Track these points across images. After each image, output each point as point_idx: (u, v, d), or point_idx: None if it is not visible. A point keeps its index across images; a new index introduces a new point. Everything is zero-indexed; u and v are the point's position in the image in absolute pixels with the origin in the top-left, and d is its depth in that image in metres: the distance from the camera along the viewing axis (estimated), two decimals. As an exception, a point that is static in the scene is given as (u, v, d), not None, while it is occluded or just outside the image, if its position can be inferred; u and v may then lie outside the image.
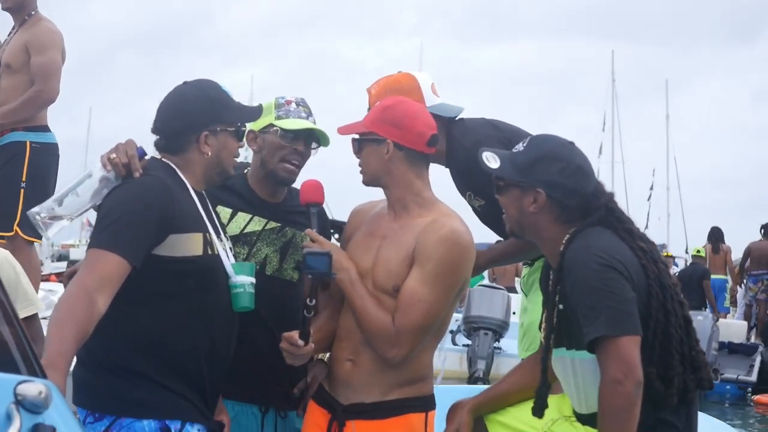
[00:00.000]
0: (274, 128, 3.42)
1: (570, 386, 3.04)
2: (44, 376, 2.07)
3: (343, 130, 3.30)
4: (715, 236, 17.60)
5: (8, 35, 5.40)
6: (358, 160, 3.27)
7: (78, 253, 25.73)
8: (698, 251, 17.25)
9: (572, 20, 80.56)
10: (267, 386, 3.41)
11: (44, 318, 3.53)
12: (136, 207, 2.89)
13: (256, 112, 3.26)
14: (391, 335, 3.06)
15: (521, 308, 4.21)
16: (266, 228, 3.47)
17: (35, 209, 2.98)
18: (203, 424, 2.96)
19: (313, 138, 3.48)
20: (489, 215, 3.79)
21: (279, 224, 3.49)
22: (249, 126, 3.39)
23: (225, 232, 3.21)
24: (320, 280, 3.08)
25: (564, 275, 2.90)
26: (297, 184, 3.51)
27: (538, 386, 3.07)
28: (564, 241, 2.93)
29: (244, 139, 3.28)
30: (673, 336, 2.89)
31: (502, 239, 3.92)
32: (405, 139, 3.18)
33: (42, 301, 4.10)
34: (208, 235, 3.01)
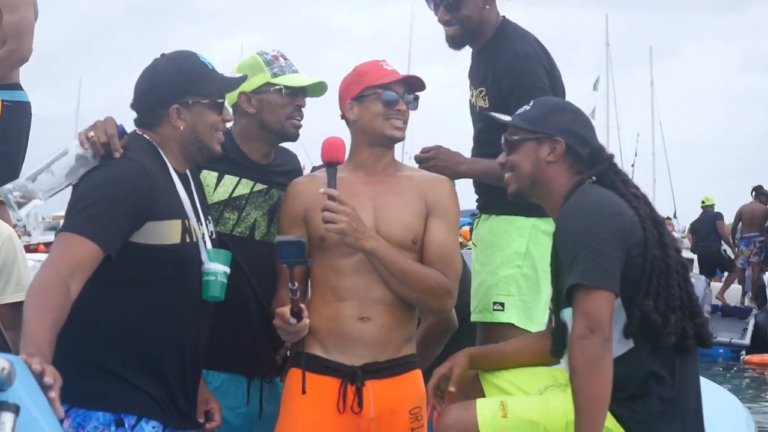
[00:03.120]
0: (276, 87, 3.34)
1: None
2: (9, 351, 1.97)
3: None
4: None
5: None
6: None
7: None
8: (707, 199, 17.30)
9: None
10: (254, 355, 3.35)
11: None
12: (113, 192, 2.78)
13: (236, 82, 3.14)
14: (449, 286, 3.14)
15: (473, 264, 3.93)
16: (254, 190, 3.39)
17: (8, 186, 2.88)
18: (159, 420, 2.86)
19: (305, 93, 3.43)
20: (483, 120, 3.69)
21: (266, 186, 3.42)
22: (240, 88, 3.29)
23: (207, 209, 3.10)
24: (295, 267, 2.95)
25: (557, 229, 2.94)
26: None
27: (553, 328, 3.09)
28: (564, 194, 2.95)
29: (229, 109, 3.17)
30: (672, 268, 2.88)
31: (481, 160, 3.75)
32: (349, 94, 3.24)
33: (32, 271, 3.97)
34: (187, 221, 2.91)
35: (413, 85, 3.26)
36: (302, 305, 2.98)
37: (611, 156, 3.04)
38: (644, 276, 2.82)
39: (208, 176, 3.32)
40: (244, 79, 3.18)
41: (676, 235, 22.81)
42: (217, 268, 2.94)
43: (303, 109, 3.40)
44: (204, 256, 2.93)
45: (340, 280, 3.15)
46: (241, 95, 3.34)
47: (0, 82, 4.98)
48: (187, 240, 2.90)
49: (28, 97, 5.09)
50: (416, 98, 3.26)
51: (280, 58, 3.40)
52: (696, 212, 17.85)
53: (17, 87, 5.03)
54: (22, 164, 4.94)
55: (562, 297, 2.91)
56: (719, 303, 14.07)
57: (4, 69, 4.94)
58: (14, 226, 3.87)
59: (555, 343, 3.06)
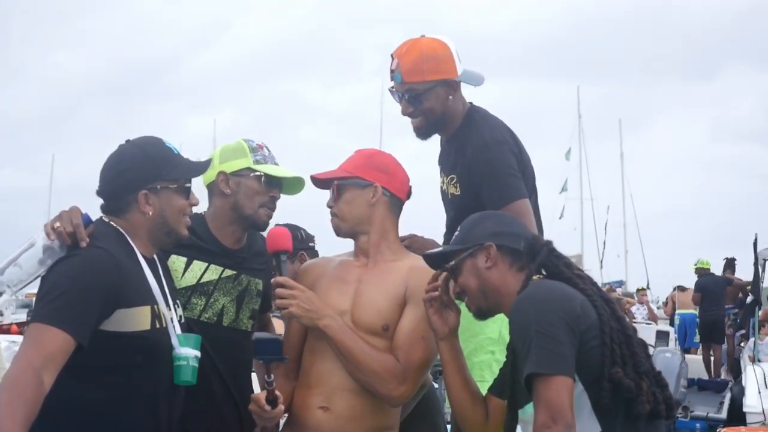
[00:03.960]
0: (256, 173, 3.36)
1: None
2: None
3: (322, 176, 3.28)
4: None
5: None
6: (335, 208, 3.25)
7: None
8: (705, 263, 17.11)
9: (531, 62, 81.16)
10: None
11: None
12: (82, 282, 2.77)
13: (202, 167, 3.15)
14: (398, 373, 3.08)
15: None
16: (222, 276, 3.40)
17: None
18: None
19: (281, 186, 3.44)
20: (456, 207, 3.72)
21: (234, 272, 3.42)
22: (219, 167, 3.34)
23: (175, 293, 3.11)
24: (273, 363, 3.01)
25: (510, 326, 2.92)
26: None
27: (505, 422, 3.04)
28: (516, 293, 2.94)
29: (207, 186, 3.18)
30: (632, 338, 2.89)
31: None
32: (391, 185, 3.26)
33: (5, 351, 3.94)
34: (156, 306, 2.91)
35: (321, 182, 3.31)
36: (278, 393, 3.00)
37: (549, 242, 3.05)
38: (605, 348, 2.81)
39: (177, 261, 3.32)
40: (208, 163, 3.19)
41: (651, 305, 22.83)
42: (188, 352, 2.94)
43: (277, 201, 3.41)
44: (174, 341, 2.93)
45: (312, 363, 3.17)
46: (220, 174, 3.37)
47: None
48: (157, 326, 2.89)
49: None
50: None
51: (264, 148, 3.44)
52: (667, 282, 17.69)
53: None
54: None
55: (521, 391, 2.88)
56: (694, 377, 13.99)
57: None
58: None
59: None
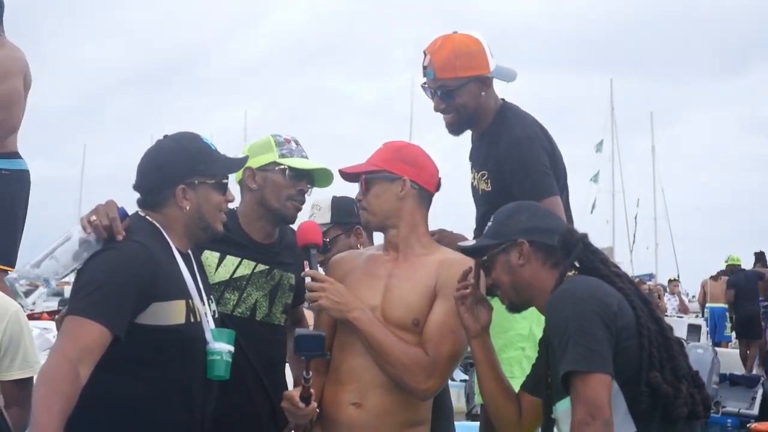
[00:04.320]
0: (281, 167, 3.36)
1: None
2: (6, 425, 1.95)
3: (351, 170, 3.26)
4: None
5: None
6: (364, 201, 3.23)
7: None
8: (735, 259, 17.06)
9: (563, 54, 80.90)
10: None
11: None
12: (119, 276, 2.78)
13: (239, 163, 3.17)
14: (427, 366, 3.06)
15: None
16: (255, 271, 3.40)
17: (13, 275, 2.91)
18: None
19: (310, 180, 3.43)
20: (486, 203, 3.71)
21: (267, 267, 3.42)
22: (248, 164, 3.34)
23: (209, 288, 3.11)
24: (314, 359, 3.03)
25: (546, 322, 2.91)
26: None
27: (542, 424, 3.03)
28: (550, 291, 2.92)
29: (238, 183, 3.20)
30: (671, 339, 2.87)
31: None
32: (420, 178, 3.22)
33: (36, 339, 3.95)
34: (191, 301, 2.91)
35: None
36: (312, 391, 3.01)
37: (584, 236, 3.02)
38: (643, 352, 2.79)
39: (210, 257, 3.32)
40: (245, 160, 3.20)
41: (683, 297, 22.67)
42: (221, 347, 2.93)
43: (306, 194, 3.41)
44: (208, 336, 2.93)
45: (343, 359, 3.16)
46: (247, 170, 3.38)
47: None
48: (192, 320, 2.90)
49: (26, 165, 5.07)
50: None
51: (292, 141, 3.44)
52: (697, 276, 17.63)
53: (15, 155, 5.00)
54: (21, 233, 4.91)
55: (556, 387, 2.87)
56: (726, 372, 13.87)
57: None
58: None
59: None
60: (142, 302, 2.80)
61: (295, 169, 3.36)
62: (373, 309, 3.12)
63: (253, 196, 3.39)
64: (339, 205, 4.07)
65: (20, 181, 5.04)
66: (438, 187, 3.29)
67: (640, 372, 2.78)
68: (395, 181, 3.20)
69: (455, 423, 3.86)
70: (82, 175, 53.56)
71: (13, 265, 4.75)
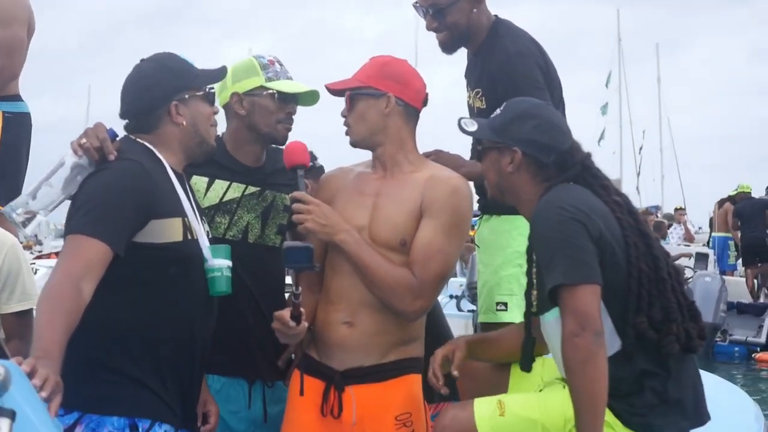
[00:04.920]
0: (270, 91, 3.33)
1: (552, 350, 2.99)
2: (6, 357, 1.96)
3: (336, 86, 3.22)
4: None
5: None
6: (349, 119, 3.19)
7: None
8: (746, 187, 17.01)
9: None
10: (253, 358, 3.34)
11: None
12: (115, 193, 2.78)
13: (220, 73, 3.14)
14: (414, 287, 3.03)
15: (477, 265, 3.98)
16: (246, 193, 3.38)
17: (10, 205, 2.89)
18: (172, 424, 2.85)
19: (297, 100, 3.41)
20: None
21: (258, 188, 3.40)
22: (232, 88, 3.32)
23: (201, 210, 3.10)
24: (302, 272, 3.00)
25: (531, 233, 2.90)
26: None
27: (522, 341, 3.07)
28: (536, 202, 2.91)
29: (218, 104, 3.18)
30: (666, 281, 2.84)
31: None
32: (405, 94, 3.17)
33: (44, 279, 3.97)
34: (186, 219, 2.90)
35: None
36: (302, 309, 2.99)
37: (585, 157, 2.99)
38: (630, 294, 2.78)
39: (199, 181, 3.31)
40: (224, 69, 3.16)
41: (689, 225, 22.63)
42: (220, 263, 2.93)
43: (293, 116, 3.39)
44: (207, 253, 2.92)
45: (333, 279, 3.15)
46: (234, 95, 3.34)
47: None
48: (188, 237, 2.89)
49: (27, 107, 5.10)
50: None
51: (276, 63, 3.40)
52: (704, 206, 17.57)
53: (17, 98, 5.03)
54: (24, 175, 4.93)
55: (543, 300, 2.87)
56: (733, 300, 13.89)
57: None
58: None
59: (524, 357, 3.04)
60: (139, 219, 2.79)
61: (283, 93, 3.33)
62: (361, 229, 3.10)
63: (242, 121, 3.36)
64: None
65: (22, 123, 5.06)
66: (425, 102, 3.24)
67: (627, 311, 2.77)
68: (380, 98, 3.15)
69: None
70: (87, 115, 53.34)
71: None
